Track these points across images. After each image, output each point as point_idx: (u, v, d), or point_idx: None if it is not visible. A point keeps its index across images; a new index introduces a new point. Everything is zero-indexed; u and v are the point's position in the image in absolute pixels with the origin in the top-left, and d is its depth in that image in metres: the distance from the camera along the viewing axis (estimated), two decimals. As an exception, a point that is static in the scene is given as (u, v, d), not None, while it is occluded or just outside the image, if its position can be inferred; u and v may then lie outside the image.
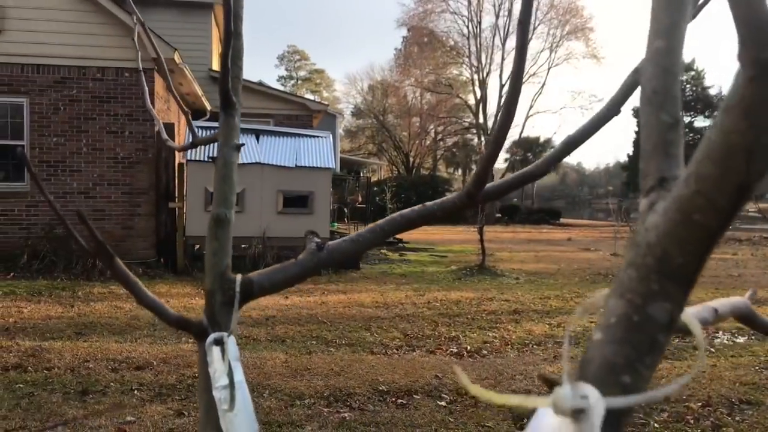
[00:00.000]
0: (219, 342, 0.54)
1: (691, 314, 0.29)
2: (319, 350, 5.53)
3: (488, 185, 0.59)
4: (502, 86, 39.75)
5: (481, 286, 9.69)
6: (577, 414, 0.24)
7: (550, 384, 0.28)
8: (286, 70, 61.29)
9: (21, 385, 4.33)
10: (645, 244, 0.28)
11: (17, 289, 8.06)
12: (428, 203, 0.66)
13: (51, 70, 9.92)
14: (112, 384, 4.42)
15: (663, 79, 0.33)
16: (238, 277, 0.62)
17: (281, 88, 45.10)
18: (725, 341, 6.45)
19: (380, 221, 0.66)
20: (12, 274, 9.05)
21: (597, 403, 0.26)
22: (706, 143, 0.25)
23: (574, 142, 0.72)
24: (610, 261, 14.18)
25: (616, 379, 0.26)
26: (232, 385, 0.54)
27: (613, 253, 15.65)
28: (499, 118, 0.53)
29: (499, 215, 33.75)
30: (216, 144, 0.71)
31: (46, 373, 4.61)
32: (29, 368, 4.71)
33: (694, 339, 0.33)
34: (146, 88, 1.41)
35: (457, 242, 18.46)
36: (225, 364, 0.52)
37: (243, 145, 0.73)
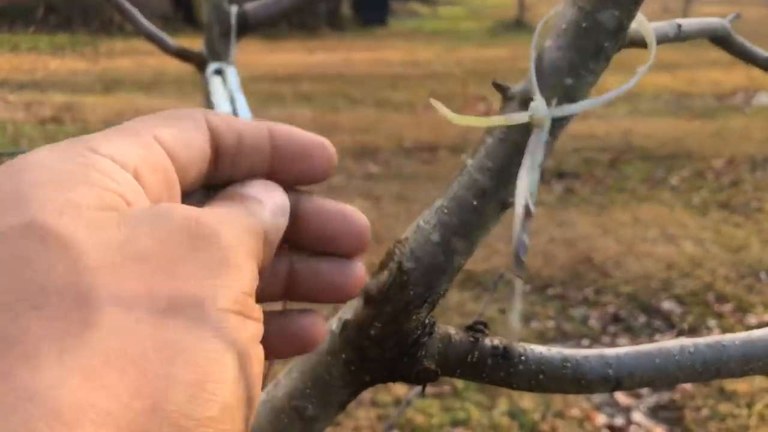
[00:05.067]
0: (219, 72, 0.57)
1: (644, 20, 0.30)
2: (345, 108, 5.58)
3: None
4: None
5: (517, 42, 9.17)
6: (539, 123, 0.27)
7: (502, 90, 0.30)
8: None
9: (60, 136, 4.57)
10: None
11: (39, 43, 8.03)
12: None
13: None
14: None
15: None
16: (234, 7, 0.62)
17: None
18: (763, 101, 6.22)
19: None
20: (32, 28, 8.96)
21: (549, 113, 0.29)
22: None
23: None
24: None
25: (560, 80, 0.29)
26: (235, 115, 0.58)
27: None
28: None
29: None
30: None
31: (83, 125, 4.82)
32: (65, 121, 4.91)
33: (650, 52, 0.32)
34: None
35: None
36: (226, 93, 0.55)
37: None
